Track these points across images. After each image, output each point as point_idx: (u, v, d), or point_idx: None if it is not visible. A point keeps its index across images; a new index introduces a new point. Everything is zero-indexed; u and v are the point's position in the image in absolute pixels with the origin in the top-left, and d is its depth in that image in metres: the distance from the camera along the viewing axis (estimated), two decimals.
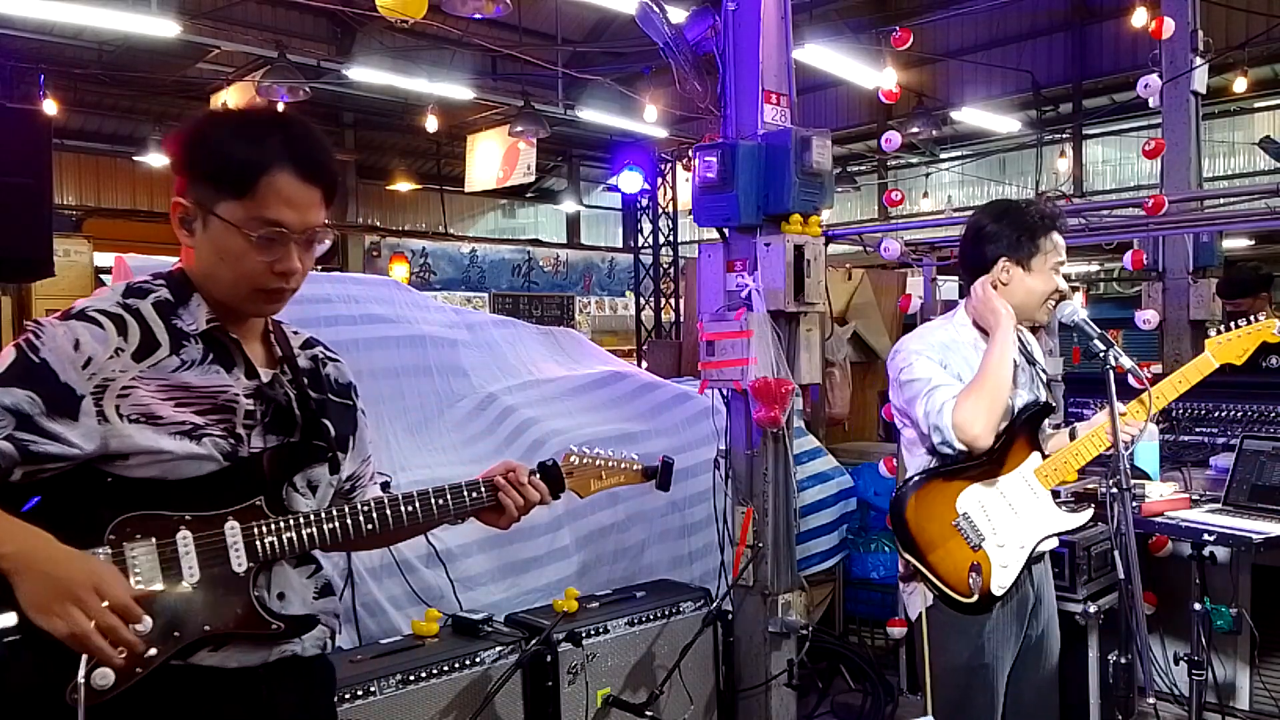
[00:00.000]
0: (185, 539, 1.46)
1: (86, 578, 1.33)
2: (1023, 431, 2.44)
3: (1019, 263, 2.46)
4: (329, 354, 1.79)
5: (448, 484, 1.68)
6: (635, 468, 1.90)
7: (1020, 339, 2.58)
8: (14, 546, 1.32)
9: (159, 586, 1.42)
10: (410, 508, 1.64)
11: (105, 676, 1.35)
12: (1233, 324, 2.51)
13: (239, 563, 1.49)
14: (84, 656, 1.31)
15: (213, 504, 1.49)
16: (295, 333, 1.75)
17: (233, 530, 1.49)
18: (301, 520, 1.55)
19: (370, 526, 1.59)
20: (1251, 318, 2.52)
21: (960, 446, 2.35)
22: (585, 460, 1.84)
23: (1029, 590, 2.48)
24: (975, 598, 2.37)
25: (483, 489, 1.71)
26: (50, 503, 1.43)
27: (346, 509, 1.59)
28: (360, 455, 1.79)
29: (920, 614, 2.46)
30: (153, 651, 1.41)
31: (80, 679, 1.31)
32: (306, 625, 1.59)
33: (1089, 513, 2.48)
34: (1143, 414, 2.45)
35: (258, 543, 1.50)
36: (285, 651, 1.57)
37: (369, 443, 1.84)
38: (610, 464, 1.87)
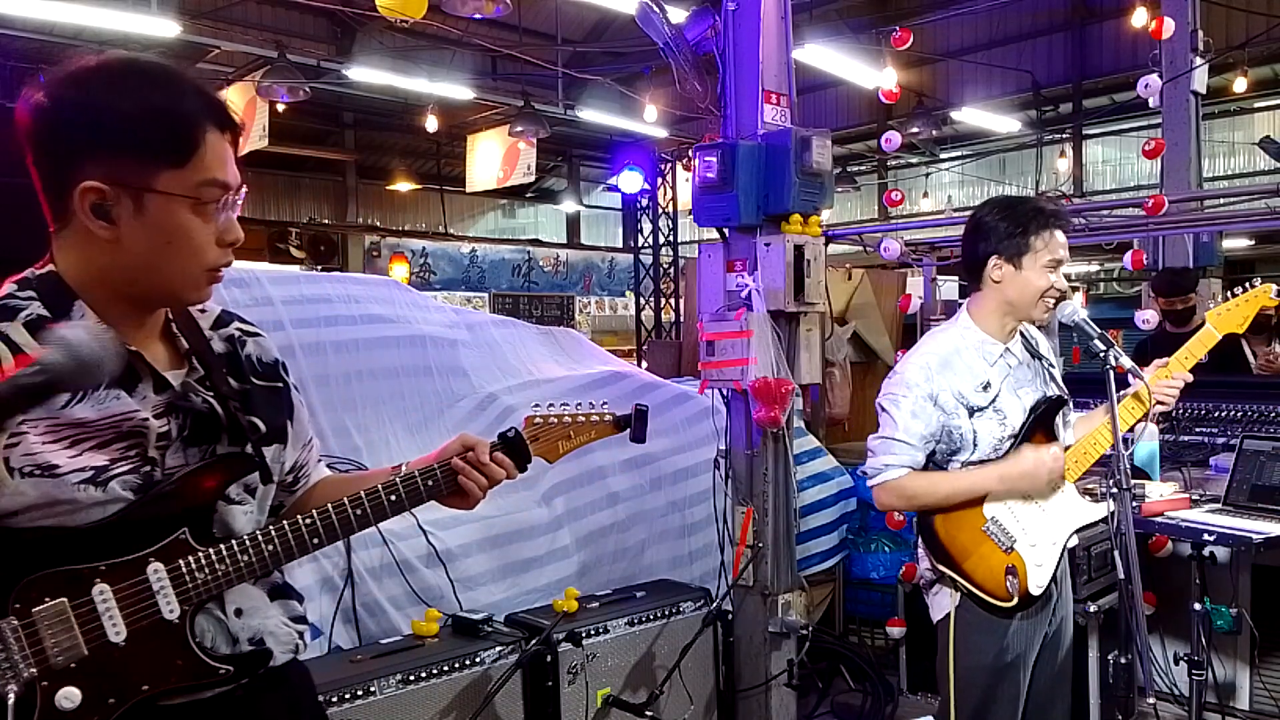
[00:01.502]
0: (103, 593, 1.26)
1: None
2: (1039, 428, 2.44)
3: (1010, 260, 2.42)
4: (247, 328, 1.54)
5: (400, 476, 1.50)
6: (606, 418, 1.67)
7: (1024, 334, 2.58)
8: None
9: (82, 653, 1.25)
10: (359, 511, 1.45)
11: None
12: (1232, 292, 2.52)
13: (170, 609, 1.30)
14: None
15: (130, 546, 1.29)
16: (203, 310, 1.49)
17: (157, 573, 1.30)
18: (236, 548, 1.35)
19: (316, 541, 1.42)
20: (1242, 288, 2.53)
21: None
22: (550, 420, 1.63)
23: (1052, 588, 2.49)
24: (1015, 600, 2.38)
25: (439, 475, 1.51)
26: None
27: (288, 526, 1.40)
28: (300, 440, 1.59)
29: (947, 614, 2.46)
30: None
31: None
32: (259, 660, 1.42)
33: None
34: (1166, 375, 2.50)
35: (189, 583, 1.31)
36: None
37: (308, 423, 1.63)
38: (578, 419, 1.65)
